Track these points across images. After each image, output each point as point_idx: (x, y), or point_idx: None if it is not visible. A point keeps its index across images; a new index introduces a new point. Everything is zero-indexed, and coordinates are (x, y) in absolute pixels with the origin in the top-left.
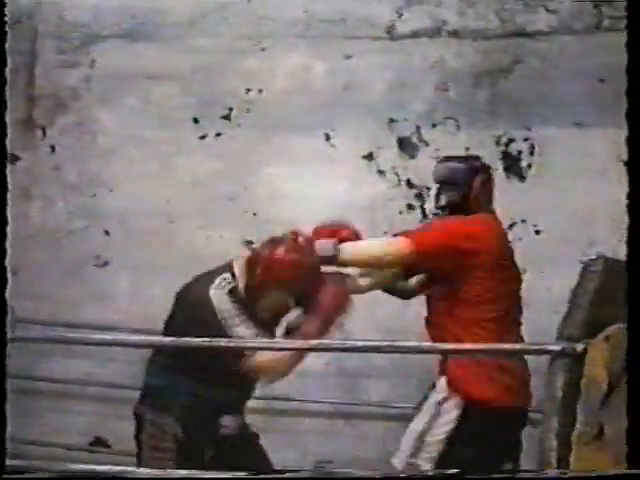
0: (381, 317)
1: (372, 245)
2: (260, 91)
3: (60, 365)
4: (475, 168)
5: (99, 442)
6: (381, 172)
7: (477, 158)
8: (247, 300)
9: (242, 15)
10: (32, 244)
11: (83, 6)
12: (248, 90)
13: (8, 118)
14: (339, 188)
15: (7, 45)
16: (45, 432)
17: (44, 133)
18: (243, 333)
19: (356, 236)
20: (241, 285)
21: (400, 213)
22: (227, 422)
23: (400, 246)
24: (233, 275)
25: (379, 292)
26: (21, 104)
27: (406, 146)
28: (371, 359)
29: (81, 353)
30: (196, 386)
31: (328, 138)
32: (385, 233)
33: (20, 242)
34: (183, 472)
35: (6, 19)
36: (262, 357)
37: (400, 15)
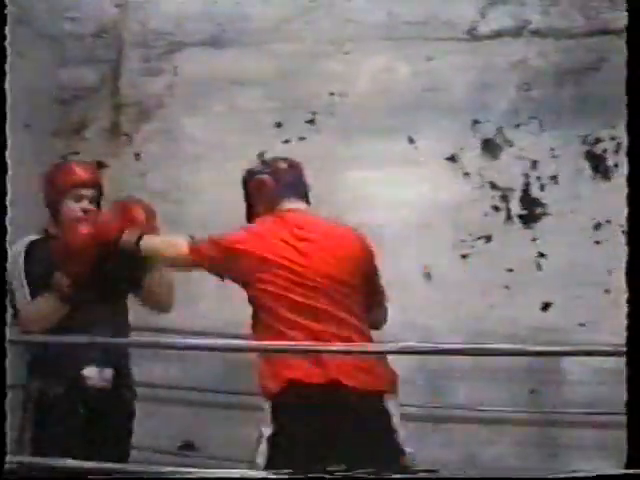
0: (466, 319)
1: (161, 243)
2: (343, 95)
3: (149, 369)
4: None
5: (188, 446)
6: (465, 174)
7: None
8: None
9: (325, 19)
10: None
11: (167, 14)
12: (331, 94)
13: (94, 127)
14: (423, 190)
15: (7, 44)
16: (135, 435)
17: (129, 140)
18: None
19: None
20: None
21: (485, 215)
22: (90, 374)
23: (179, 250)
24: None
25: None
26: (107, 112)
27: (490, 147)
28: (456, 361)
29: (169, 357)
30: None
31: (411, 141)
32: (470, 235)
33: None
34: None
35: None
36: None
37: (483, 16)
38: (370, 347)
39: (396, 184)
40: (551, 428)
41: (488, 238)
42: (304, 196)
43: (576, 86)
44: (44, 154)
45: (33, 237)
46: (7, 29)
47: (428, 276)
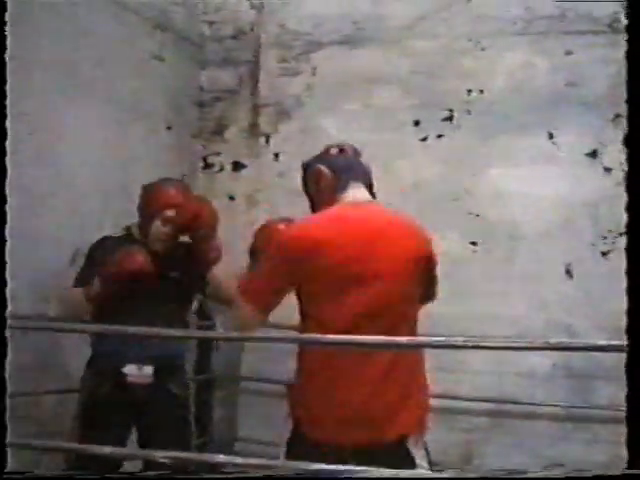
0: (607, 317)
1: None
2: (481, 91)
3: (288, 367)
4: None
5: None
6: (606, 169)
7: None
8: None
9: (461, 15)
10: None
11: (304, 14)
12: (469, 91)
13: (234, 128)
14: (563, 187)
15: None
16: (274, 433)
17: (268, 141)
18: None
19: None
20: None
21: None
22: (131, 371)
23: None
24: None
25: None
26: (246, 113)
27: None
28: (600, 359)
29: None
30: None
31: (551, 136)
32: (610, 232)
33: (247, 248)
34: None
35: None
36: None
37: (623, 6)
38: (417, 341)
39: (535, 180)
40: None
41: None
42: (364, 180)
43: None
44: (185, 155)
45: (113, 233)
46: (7, 30)
47: (569, 273)
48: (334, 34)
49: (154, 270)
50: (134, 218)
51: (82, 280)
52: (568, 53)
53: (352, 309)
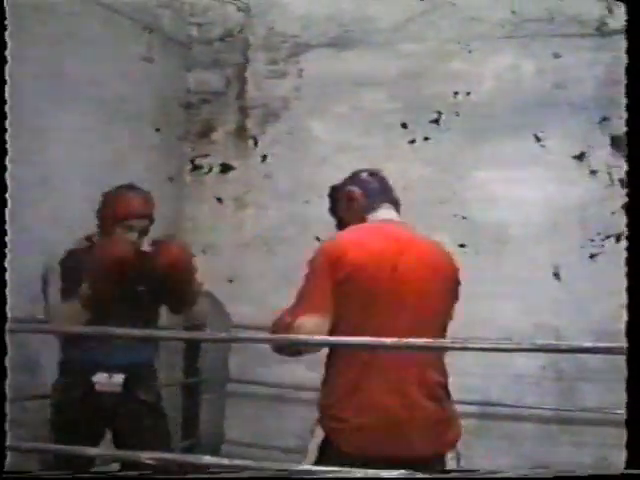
0: (596, 319)
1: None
2: (468, 94)
3: (275, 370)
4: None
5: None
6: (593, 172)
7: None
8: None
9: (448, 18)
10: (246, 251)
11: (291, 17)
12: (456, 93)
13: (221, 130)
14: (550, 189)
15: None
16: (261, 435)
17: (256, 143)
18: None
19: None
20: None
21: (613, 214)
22: (100, 379)
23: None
24: None
25: (590, 295)
26: (234, 115)
27: (619, 144)
28: (588, 362)
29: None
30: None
31: (538, 139)
32: (598, 234)
33: (235, 250)
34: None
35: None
36: None
37: (610, 11)
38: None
39: (523, 183)
40: None
41: (618, 237)
42: (394, 203)
43: None
44: (173, 157)
45: (67, 249)
46: (6, 34)
47: (557, 276)
48: (322, 36)
49: (137, 252)
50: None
51: (69, 292)
52: (555, 56)
53: (389, 332)
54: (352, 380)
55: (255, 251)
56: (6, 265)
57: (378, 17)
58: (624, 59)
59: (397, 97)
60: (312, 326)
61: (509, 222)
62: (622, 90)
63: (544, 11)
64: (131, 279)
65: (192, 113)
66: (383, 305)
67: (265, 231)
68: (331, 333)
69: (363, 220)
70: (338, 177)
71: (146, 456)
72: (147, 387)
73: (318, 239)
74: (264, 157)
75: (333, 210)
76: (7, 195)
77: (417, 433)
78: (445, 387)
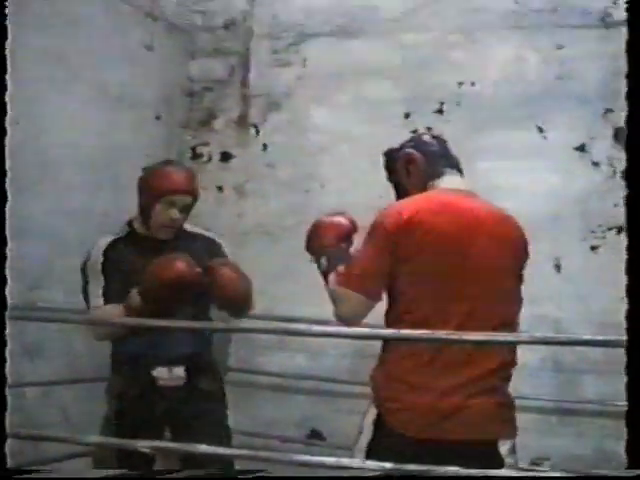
0: (596, 311)
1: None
2: (472, 84)
3: (275, 359)
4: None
5: (315, 435)
6: (595, 164)
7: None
8: None
9: (452, 8)
10: (247, 240)
11: (295, 5)
12: (460, 84)
13: (223, 118)
14: (552, 181)
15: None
16: (262, 424)
17: (257, 132)
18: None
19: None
20: None
21: (615, 206)
22: (160, 374)
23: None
24: None
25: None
26: (236, 103)
27: (622, 136)
28: (587, 354)
29: (295, 347)
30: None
31: (541, 130)
32: (600, 226)
33: (236, 238)
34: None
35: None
36: None
37: (615, 2)
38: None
39: (525, 174)
40: None
41: (619, 229)
42: (459, 169)
43: None
44: (174, 145)
45: (111, 237)
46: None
47: (558, 268)
48: (325, 25)
49: (198, 274)
50: (122, 209)
51: (113, 295)
52: (559, 47)
53: (456, 307)
54: (410, 362)
55: (256, 240)
56: (7, 253)
57: (382, 7)
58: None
59: (400, 87)
60: (355, 305)
61: (510, 213)
62: (625, 82)
63: (548, 2)
64: (187, 298)
65: (194, 101)
66: (453, 287)
67: (266, 220)
68: (395, 321)
69: (425, 188)
70: (339, 167)
71: (142, 444)
72: (209, 376)
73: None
74: (265, 146)
75: (390, 176)
76: (7, 180)
77: (470, 418)
78: (503, 373)
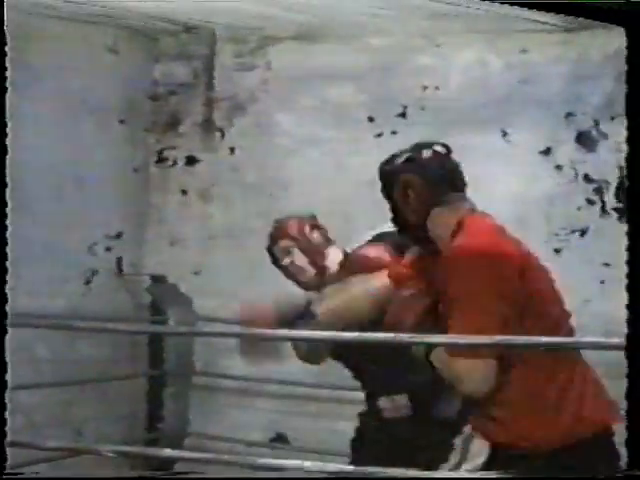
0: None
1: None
2: (436, 88)
3: (240, 362)
4: None
5: (280, 438)
6: (559, 167)
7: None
8: None
9: (417, 12)
10: (213, 244)
11: (259, 9)
12: (424, 87)
13: (188, 122)
14: (516, 184)
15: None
16: (226, 428)
17: (223, 135)
18: None
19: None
20: None
21: (578, 209)
22: (384, 404)
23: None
24: None
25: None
26: (200, 107)
27: (585, 140)
28: None
29: None
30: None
31: (505, 134)
32: (563, 229)
33: (202, 242)
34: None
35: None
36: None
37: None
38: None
39: (489, 178)
40: None
41: (583, 232)
42: (462, 191)
43: None
44: (138, 149)
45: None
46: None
47: None
48: (290, 29)
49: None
50: (87, 212)
51: None
52: (523, 51)
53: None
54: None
55: (221, 244)
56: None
57: (347, 11)
58: (589, 55)
59: (365, 91)
60: (479, 379)
61: None
62: (587, 86)
63: (511, 7)
64: None
65: (159, 105)
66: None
67: (231, 224)
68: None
69: (424, 216)
70: (305, 170)
71: (106, 449)
72: (440, 402)
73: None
74: (231, 150)
75: (386, 194)
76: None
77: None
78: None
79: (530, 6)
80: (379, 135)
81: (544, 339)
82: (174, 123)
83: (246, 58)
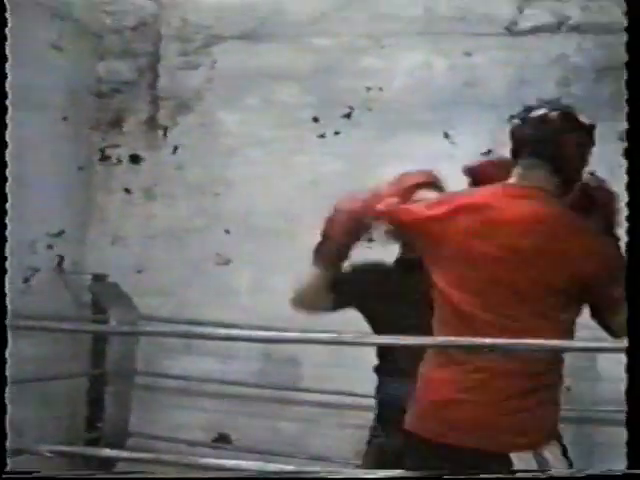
0: None
1: None
2: (380, 89)
3: (182, 362)
4: None
5: (222, 438)
6: None
7: None
8: None
9: (362, 13)
10: (156, 243)
11: (205, 8)
12: (368, 89)
13: (132, 120)
14: (459, 186)
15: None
16: (168, 428)
17: (166, 134)
18: None
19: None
20: None
21: None
22: None
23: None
24: None
25: None
26: (145, 106)
27: None
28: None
29: (202, 350)
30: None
31: (447, 136)
32: None
33: (144, 241)
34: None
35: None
36: None
37: (521, 11)
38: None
39: None
40: (586, 426)
41: None
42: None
43: (616, 82)
44: (82, 147)
45: None
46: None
47: None
48: (235, 28)
49: None
50: (26, 209)
51: None
52: (467, 54)
53: None
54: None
55: (164, 243)
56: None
57: (292, 11)
58: (533, 59)
59: (309, 91)
60: None
61: None
62: (531, 89)
63: (456, 9)
64: None
65: (103, 102)
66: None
67: (174, 223)
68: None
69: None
70: (248, 170)
71: (45, 449)
72: None
73: (227, 232)
74: (175, 148)
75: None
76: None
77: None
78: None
79: None
80: (322, 135)
81: (545, 341)
82: (118, 121)
83: (191, 57)
